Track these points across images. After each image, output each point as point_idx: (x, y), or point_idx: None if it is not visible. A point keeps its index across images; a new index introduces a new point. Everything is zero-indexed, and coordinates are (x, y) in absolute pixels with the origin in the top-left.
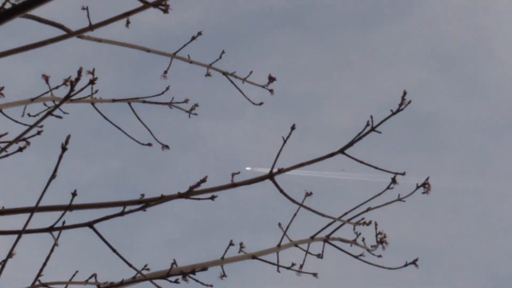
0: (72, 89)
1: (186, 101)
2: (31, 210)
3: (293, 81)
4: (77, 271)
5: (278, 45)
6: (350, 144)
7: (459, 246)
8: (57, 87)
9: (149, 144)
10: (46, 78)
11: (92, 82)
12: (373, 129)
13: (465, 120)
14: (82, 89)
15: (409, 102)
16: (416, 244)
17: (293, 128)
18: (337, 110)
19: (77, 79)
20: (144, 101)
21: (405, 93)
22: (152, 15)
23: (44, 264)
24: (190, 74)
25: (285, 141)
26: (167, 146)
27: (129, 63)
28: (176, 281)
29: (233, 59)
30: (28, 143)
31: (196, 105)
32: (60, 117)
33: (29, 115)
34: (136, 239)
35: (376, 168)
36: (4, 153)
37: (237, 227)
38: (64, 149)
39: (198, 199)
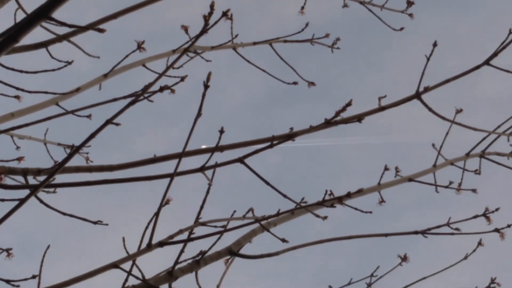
0: (206, 24)
1: (327, 35)
2: (180, 156)
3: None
4: (235, 211)
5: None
6: (495, 54)
7: None
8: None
9: (295, 83)
10: (185, 29)
11: (225, 14)
12: None
13: None
14: (216, 23)
15: None
16: None
17: (435, 45)
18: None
19: (210, 13)
20: (285, 41)
21: None
22: None
23: (202, 206)
24: (326, 8)
25: (428, 59)
26: (313, 83)
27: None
28: (332, 206)
29: None
30: (172, 91)
31: (338, 39)
32: (198, 53)
33: (172, 67)
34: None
35: None
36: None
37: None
38: (206, 86)
39: (346, 123)
